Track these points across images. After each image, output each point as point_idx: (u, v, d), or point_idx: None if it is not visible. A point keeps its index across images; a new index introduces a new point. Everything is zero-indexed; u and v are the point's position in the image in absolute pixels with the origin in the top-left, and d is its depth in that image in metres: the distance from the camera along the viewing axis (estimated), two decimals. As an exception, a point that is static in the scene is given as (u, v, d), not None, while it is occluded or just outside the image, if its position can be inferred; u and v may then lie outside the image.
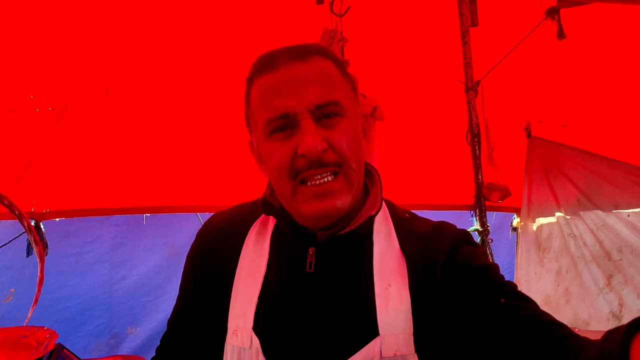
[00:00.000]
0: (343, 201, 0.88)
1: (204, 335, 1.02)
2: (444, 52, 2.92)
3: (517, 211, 3.07)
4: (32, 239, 2.11)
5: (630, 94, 2.85)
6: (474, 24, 2.88)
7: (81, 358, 1.73)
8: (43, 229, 2.63)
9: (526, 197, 2.94)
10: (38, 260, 2.13)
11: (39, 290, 2.07)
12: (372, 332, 0.86)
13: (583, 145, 2.76)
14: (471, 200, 3.00)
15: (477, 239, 2.99)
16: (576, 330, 2.51)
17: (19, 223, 2.20)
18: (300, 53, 0.90)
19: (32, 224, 2.30)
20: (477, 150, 2.98)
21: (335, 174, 0.87)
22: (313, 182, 0.87)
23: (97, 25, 2.48)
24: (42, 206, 2.69)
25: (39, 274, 2.09)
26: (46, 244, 2.58)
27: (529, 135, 2.93)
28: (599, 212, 2.66)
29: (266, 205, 0.98)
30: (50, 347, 1.56)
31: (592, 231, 2.70)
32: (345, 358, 0.85)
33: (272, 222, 1.02)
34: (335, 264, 0.93)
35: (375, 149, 2.40)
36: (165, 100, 2.73)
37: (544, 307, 2.73)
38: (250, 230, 1.01)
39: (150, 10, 2.48)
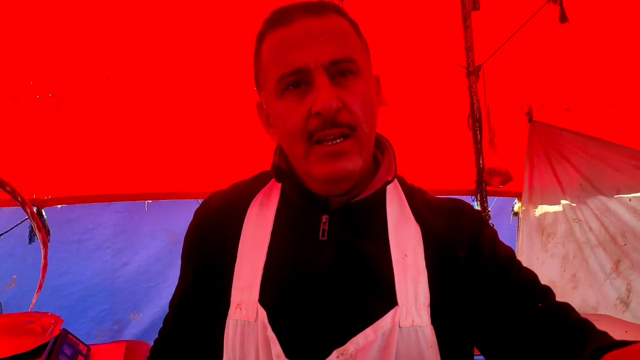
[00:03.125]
0: (354, 163, 0.84)
1: (207, 315, 0.97)
2: (445, 37, 2.91)
3: (519, 196, 3.08)
4: (35, 225, 2.11)
5: (633, 77, 2.84)
6: (476, 7, 2.86)
7: (86, 343, 1.74)
8: (45, 216, 2.63)
9: (527, 181, 2.94)
10: (41, 246, 2.13)
11: (42, 277, 2.08)
12: (390, 302, 0.84)
13: (586, 130, 2.75)
14: (472, 185, 3.01)
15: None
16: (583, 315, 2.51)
17: (22, 210, 2.20)
18: (316, 8, 0.87)
19: (35, 210, 2.30)
20: (479, 135, 2.98)
21: (345, 136, 0.83)
22: (326, 143, 0.83)
23: (96, 11, 2.46)
24: (44, 193, 2.69)
25: (42, 260, 2.09)
26: (48, 230, 2.58)
27: (530, 120, 2.93)
28: (602, 197, 2.66)
29: (278, 171, 0.95)
30: (56, 333, 1.57)
31: (596, 216, 2.69)
32: (362, 328, 0.82)
33: (276, 192, 0.99)
34: (349, 232, 0.90)
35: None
36: (166, 86, 2.72)
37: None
38: (252, 203, 0.98)
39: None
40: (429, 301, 0.85)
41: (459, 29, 2.92)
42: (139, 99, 2.70)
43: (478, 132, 2.98)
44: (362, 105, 0.84)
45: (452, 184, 3.14)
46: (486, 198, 3.00)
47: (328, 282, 0.87)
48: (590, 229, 2.71)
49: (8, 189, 1.97)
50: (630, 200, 2.57)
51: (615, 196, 2.60)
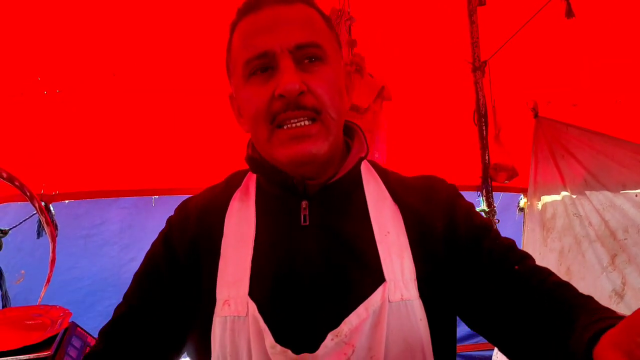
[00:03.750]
0: (319, 147, 0.85)
1: (182, 319, 0.93)
2: (451, 32, 2.90)
3: (524, 191, 3.08)
4: (44, 220, 2.14)
5: (639, 73, 2.83)
6: (482, 2, 2.86)
7: (94, 336, 1.76)
8: (53, 211, 2.65)
9: (533, 177, 2.94)
10: (50, 240, 2.15)
11: (51, 270, 2.10)
12: (378, 278, 0.85)
13: (593, 126, 2.75)
14: (478, 181, 3.01)
15: (484, 219, 3.00)
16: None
17: (30, 205, 2.22)
18: None
19: (43, 205, 2.32)
20: (484, 131, 2.97)
21: (312, 119, 0.84)
22: (289, 125, 0.84)
23: (102, 7, 2.47)
24: (52, 188, 2.71)
25: (50, 254, 2.12)
26: (56, 225, 2.60)
27: (536, 116, 2.92)
28: (607, 192, 2.66)
29: (252, 162, 0.95)
30: (64, 325, 1.59)
31: (597, 211, 2.70)
32: (354, 308, 0.83)
33: (252, 186, 0.98)
34: (330, 214, 0.91)
35: (382, 129, 2.41)
36: (173, 82, 2.72)
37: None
38: (231, 201, 0.97)
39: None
40: (415, 275, 0.87)
41: (465, 25, 2.92)
42: (146, 94, 2.71)
43: (484, 128, 2.98)
44: (328, 89, 0.85)
45: (458, 179, 3.11)
46: (492, 194, 3.00)
47: (315, 267, 0.87)
48: (590, 223, 2.71)
49: (17, 183, 1.99)
50: (637, 195, 2.57)
51: (622, 192, 2.60)
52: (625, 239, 2.60)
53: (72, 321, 1.68)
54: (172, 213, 1.05)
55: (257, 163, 0.94)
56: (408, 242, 0.89)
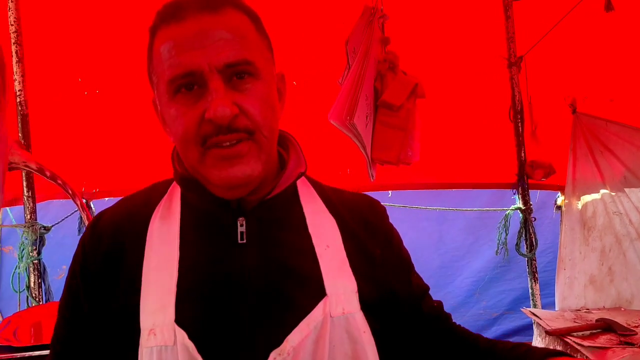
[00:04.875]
0: (252, 167, 0.81)
1: (108, 349, 0.86)
2: (486, 27, 2.87)
3: (562, 189, 3.02)
4: (85, 216, 2.19)
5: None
6: (517, -3, 2.82)
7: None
8: (93, 208, 2.73)
9: (571, 174, 2.88)
10: (90, 237, 2.20)
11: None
12: (319, 293, 0.83)
13: (630, 121, 2.69)
14: (514, 178, 2.97)
15: (520, 217, 2.96)
16: (622, 309, 2.48)
17: (70, 202, 2.29)
18: (211, 2, 0.80)
19: (84, 202, 2.39)
20: (520, 127, 2.94)
21: (244, 140, 0.80)
22: (222, 146, 0.79)
23: (141, 8, 2.53)
24: (92, 186, 2.78)
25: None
26: (96, 222, 2.66)
27: (574, 112, 2.86)
28: (646, 189, 2.61)
29: (184, 181, 0.90)
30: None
31: (637, 209, 2.64)
32: (296, 324, 0.80)
33: (176, 201, 0.92)
34: (269, 230, 0.88)
35: (416, 127, 2.40)
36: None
37: (588, 287, 2.71)
38: (152, 219, 0.90)
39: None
40: (356, 288, 0.86)
41: (500, 20, 2.89)
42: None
43: (520, 124, 2.94)
44: (261, 108, 0.81)
45: (493, 177, 3.11)
46: (528, 191, 2.96)
47: (254, 285, 0.84)
48: (631, 221, 2.65)
49: (59, 182, 2.05)
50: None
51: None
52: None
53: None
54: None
55: (189, 181, 0.89)
56: (346, 255, 0.89)
